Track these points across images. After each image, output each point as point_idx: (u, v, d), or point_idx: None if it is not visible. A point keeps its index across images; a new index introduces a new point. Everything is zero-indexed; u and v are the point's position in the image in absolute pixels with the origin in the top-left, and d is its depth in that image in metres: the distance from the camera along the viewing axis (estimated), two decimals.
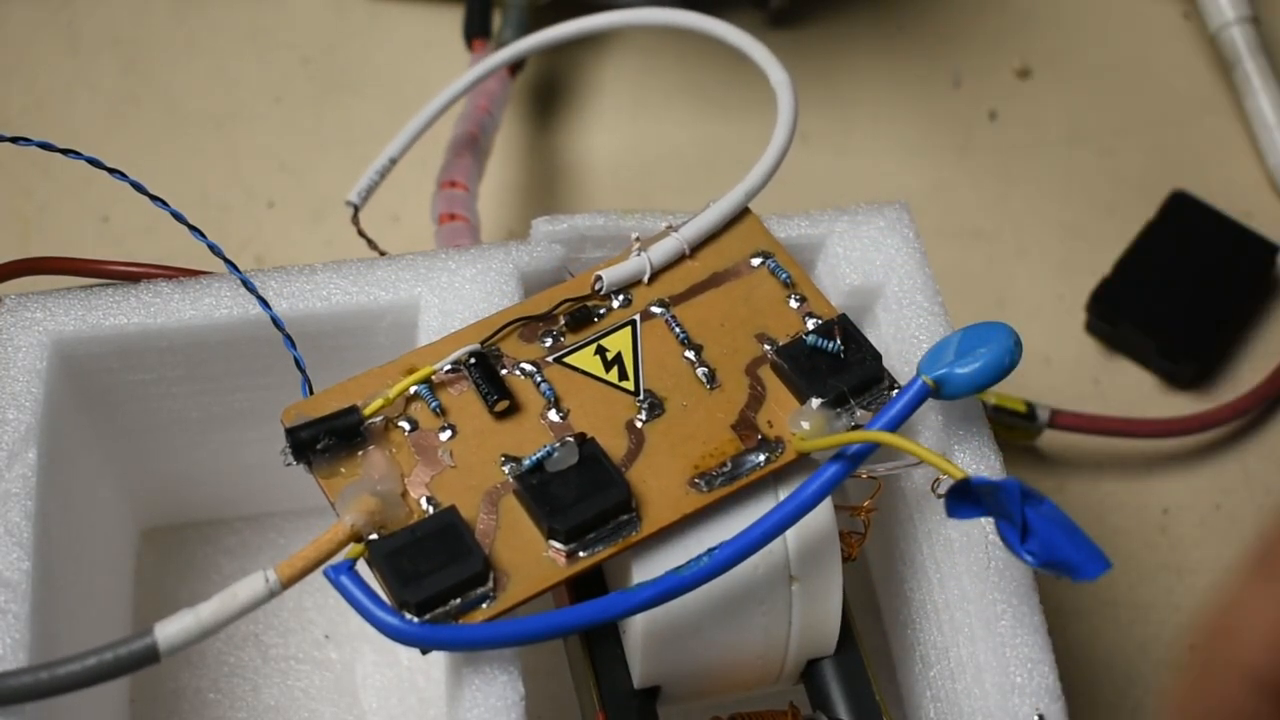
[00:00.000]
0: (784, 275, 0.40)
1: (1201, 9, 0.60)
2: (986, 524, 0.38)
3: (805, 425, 0.36)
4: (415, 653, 0.45)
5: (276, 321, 0.39)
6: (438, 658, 0.45)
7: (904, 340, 0.41)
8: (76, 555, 0.41)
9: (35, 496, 0.37)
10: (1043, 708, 0.36)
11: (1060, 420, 0.51)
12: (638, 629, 0.36)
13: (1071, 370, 0.54)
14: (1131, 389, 0.54)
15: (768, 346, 0.39)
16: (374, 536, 0.34)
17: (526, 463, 0.36)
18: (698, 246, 0.40)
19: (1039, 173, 0.58)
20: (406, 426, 0.37)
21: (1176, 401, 0.54)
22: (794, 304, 0.39)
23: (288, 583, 0.33)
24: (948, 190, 0.58)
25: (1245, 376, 0.54)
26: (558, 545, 0.35)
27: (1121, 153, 0.59)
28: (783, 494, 0.37)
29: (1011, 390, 0.51)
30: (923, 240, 0.43)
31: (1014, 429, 0.51)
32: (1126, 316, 0.53)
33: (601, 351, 0.38)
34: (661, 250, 0.40)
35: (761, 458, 0.37)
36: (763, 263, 0.40)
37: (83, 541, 0.41)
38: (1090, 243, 0.57)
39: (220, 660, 0.46)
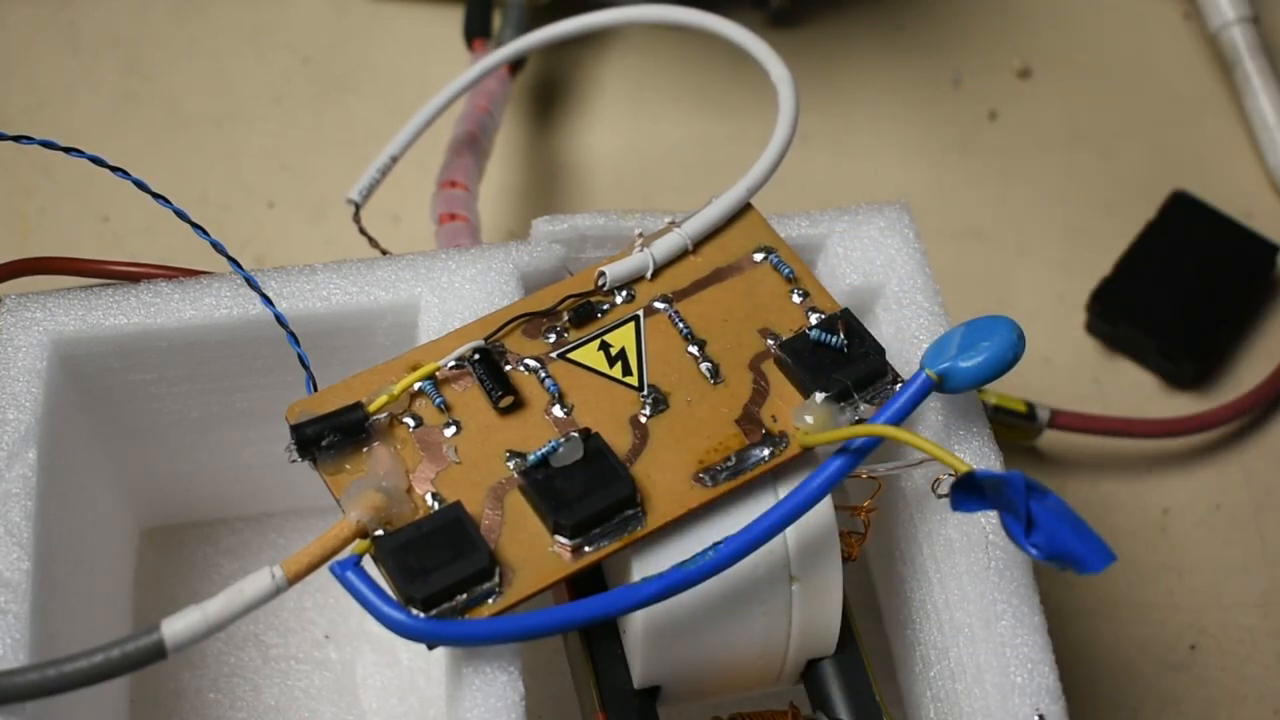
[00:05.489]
0: (787, 270, 0.40)
1: (1201, 9, 0.60)
2: (987, 524, 0.37)
3: (809, 419, 0.36)
4: (415, 652, 0.45)
5: (280, 318, 0.39)
6: (438, 657, 0.45)
7: (904, 340, 0.41)
8: (76, 555, 0.41)
9: (35, 496, 0.37)
10: (1043, 708, 0.35)
11: (1060, 420, 0.51)
12: (638, 628, 0.36)
13: (1071, 370, 0.54)
14: (1131, 389, 0.54)
15: (771, 341, 0.39)
16: (379, 533, 0.34)
17: (531, 458, 0.36)
18: (700, 242, 0.40)
19: (1039, 173, 0.59)
20: (411, 423, 0.37)
21: (1176, 401, 0.54)
22: (797, 299, 0.39)
23: (294, 579, 0.33)
24: (948, 190, 0.58)
25: (1245, 376, 0.54)
26: (563, 540, 0.35)
27: (1121, 153, 0.59)
28: (782, 492, 0.37)
29: (1011, 390, 0.51)
30: (923, 240, 0.43)
31: (1014, 429, 0.51)
32: (1126, 316, 0.54)
33: (605, 347, 0.38)
34: (664, 246, 0.40)
35: (766, 452, 0.37)
36: (765, 258, 0.40)
37: (83, 541, 0.41)
38: (1090, 243, 0.57)
39: (220, 660, 0.45)
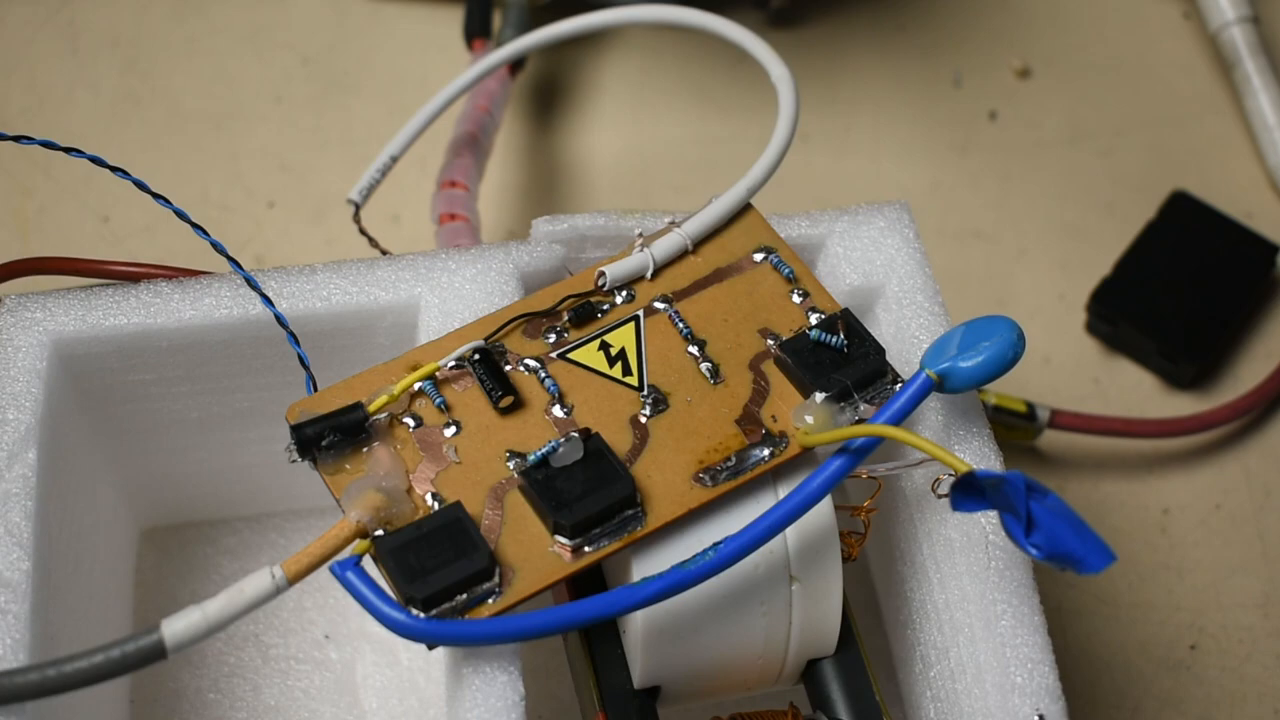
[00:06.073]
0: (787, 270, 0.40)
1: (1201, 9, 0.60)
2: (987, 524, 0.37)
3: (809, 419, 0.37)
4: (415, 652, 0.45)
5: (280, 318, 0.39)
6: (438, 657, 0.45)
7: (904, 340, 0.41)
8: (76, 555, 0.41)
9: (35, 496, 0.37)
10: (1043, 708, 0.35)
11: (1060, 420, 0.51)
12: (638, 628, 0.36)
13: (1071, 370, 0.54)
14: (1131, 389, 0.54)
15: (771, 341, 0.39)
16: (380, 533, 0.34)
17: (531, 458, 0.36)
18: (700, 242, 0.40)
19: (1039, 173, 0.59)
20: (411, 423, 0.37)
21: (1176, 401, 0.54)
22: (797, 299, 0.39)
23: (294, 579, 0.33)
24: (948, 190, 0.58)
25: (1245, 376, 0.54)
26: (563, 540, 0.35)
27: (1121, 153, 0.59)
28: (782, 492, 0.37)
29: (1011, 390, 0.51)
30: (923, 240, 0.42)
31: (1014, 429, 0.51)
32: (1126, 316, 0.54)
33: (605, 347, 0.38)
34: (664, 246, 0.40)
35: (766, 452, 0.37)
36: (765, 258, 0.40)
37: (83, 541, 0.41)
38: (1090, 243, 0.57)
39: (220, 660, 0.45)
